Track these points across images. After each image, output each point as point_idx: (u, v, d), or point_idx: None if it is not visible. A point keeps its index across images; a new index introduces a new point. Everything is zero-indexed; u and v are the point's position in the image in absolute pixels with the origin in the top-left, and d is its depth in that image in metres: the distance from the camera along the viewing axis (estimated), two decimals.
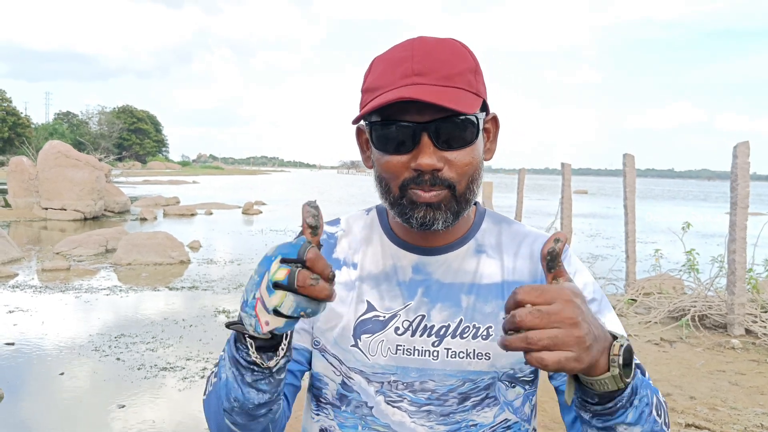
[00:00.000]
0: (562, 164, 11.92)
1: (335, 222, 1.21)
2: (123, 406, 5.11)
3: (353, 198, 38.87)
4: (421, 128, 0.96)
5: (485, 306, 1.07)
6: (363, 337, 1.08)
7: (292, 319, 0.80)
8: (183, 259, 12.32)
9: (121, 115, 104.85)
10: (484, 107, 1.04)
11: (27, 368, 5.99)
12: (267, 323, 0.79)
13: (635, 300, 8.66)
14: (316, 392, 1.14)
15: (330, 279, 0.77)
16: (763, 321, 7.16)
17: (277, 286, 0.77)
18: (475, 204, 1.15)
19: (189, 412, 5.07)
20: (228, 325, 0.90)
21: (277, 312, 0.78)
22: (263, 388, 0.93)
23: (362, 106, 1.02)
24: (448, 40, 1.02)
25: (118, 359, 6.27)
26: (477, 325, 1.06)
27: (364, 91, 1.03)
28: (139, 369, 5.99)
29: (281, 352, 0.89)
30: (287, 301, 0.77)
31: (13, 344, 6.67)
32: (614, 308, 8.47)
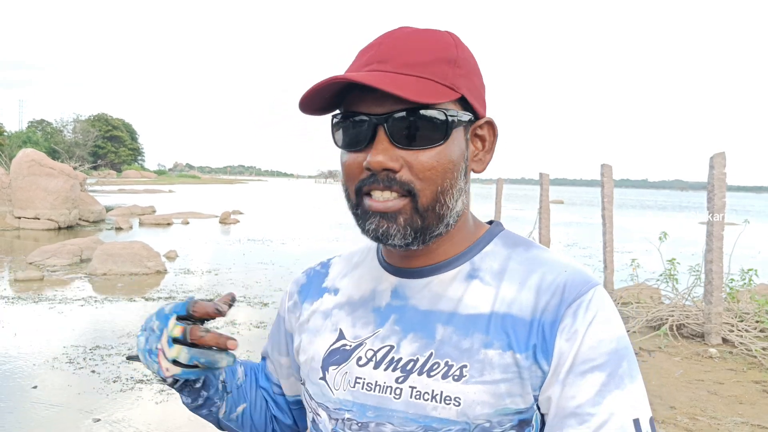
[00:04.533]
0: (541, 174, 12.00)
1: (346, 252, 1.13)
2: (98, 420, 5.00)
3: (331, 207, 38.80)
4: (377, 121, 0.84)
5: (463, 340, 0.87)
6: (330, 369, 0.96)
7: (189, 367, 0.92)
8: (159, 269, 12.17)
9: (96, 123, 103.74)
10: (469, 108, 0.89)
11: None
12: (167, 370, 0.93)
13: None
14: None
15: (219, 313, 0.89)
16: (739, 330, 7.23)
17: (175, 341, 0.90)
18: (491, 222, 1.01)
19: (166, 425, 4.98)
20: (129, 359, 1.06)
21: (175, 362, 0.91)
22: (184, 398, 1.04)
23: None
24: (432, 30, 0.89)
25: (93, 372, 6.16)
26: (450, 363, 0.87)
27: None
28: (114, 381, 5.88)
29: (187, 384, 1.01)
30: (183, 354, 0.90)
31: None
32: None
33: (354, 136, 0.86)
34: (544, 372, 0.84)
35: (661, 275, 8.86)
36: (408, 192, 0.84)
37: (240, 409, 1.12)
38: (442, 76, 0.85)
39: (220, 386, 1.07)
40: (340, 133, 0.89)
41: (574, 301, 0.85)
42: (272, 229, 22.27)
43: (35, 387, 5.71)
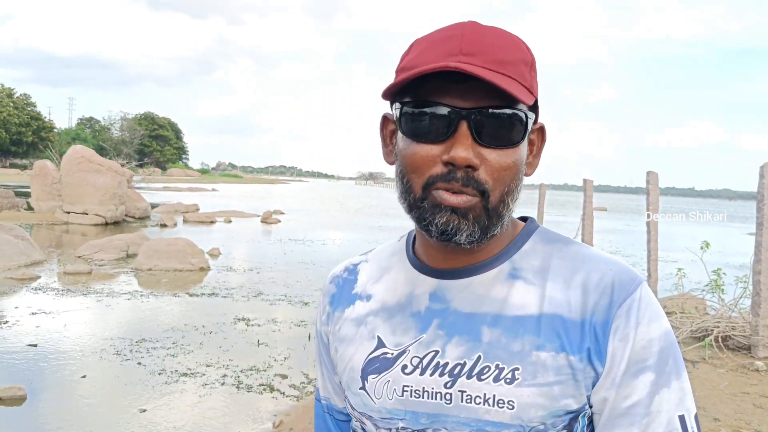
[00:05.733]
0: (584, 180, 11.87)
1: (366, 252, 1.08)
2: (144, 411, 5.13)
3: (371, 209, 38.92)
4: (461, 115, 0.80)
5: (512, 343, 0.86)
6: (370, 378, 0.93)
7: None
8: (203, 266, 12.39)
9: (142, 122, 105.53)
10: (535, 110, 0.88)
11: (49, 370, 6.05)
12: None
13: None
14: None
15: None
16: None
17: None
18: (525, 219, 0.98)
19: (209, 418, 5.09)
20: None
21: None
22: None
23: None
24: (505, 30, 0.87)
25: (139, 363, 6.32)
26: (500, 366, 0.85)
27: (399, 70, 0.87)
28: (159, 374, 6.02)
29: None
30: None
31: (35, 346, 6.74)
32: None
33: (431, 128, 0.82)
34: (598, 373, 0.84)
35: (706, 285, 8.69)
36: (482, 192, 0.82)
37: None
38: (523, 77, 0.84)
39: None
40: (411, 122, 0.84)
41: (624, 301, 0.84)
42: (313, 230, 22.45)
43: (84, 376, 5.89)
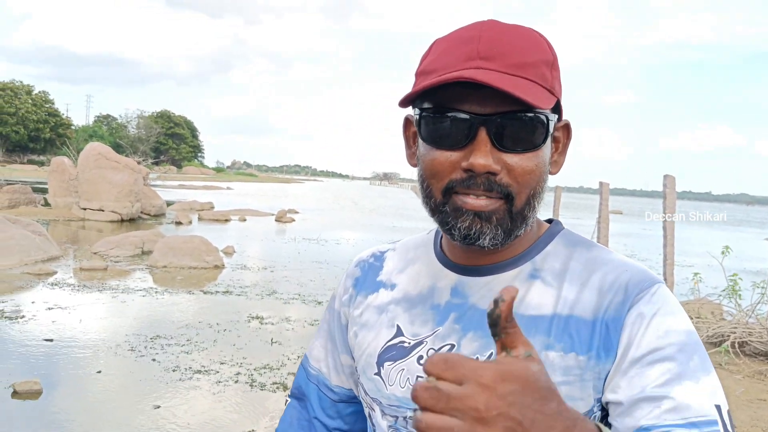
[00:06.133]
0: (600, 183, 11.80)
1: (395, 241, 1.11)
2: (158, 407, 5.16)
3: (386, 209, 38.91)
4: (480, 121, 0.80)
5: None
6: (386, 364, 0.95)
7: None
8: (217, 263, 12.43)
9: (158, 120, 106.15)
10: (557, 109, 0.88)
11: (65, 365, 6.09)
12: None
13: None
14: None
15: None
16: None
17: None
18: (550, 221, 0.98)
19: (223, 416, 5.11)
20: None
21: None
22: None
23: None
24: (524, 27, 0.86)
25: (154, 360, 6.35)
26: None
27: (419, 74, 0.87)
28: (174, 371, 6.05)
29: None
30: None
31: (51, 340, 6.79)
32: None
33: (449, 134, 0.83)
34: (607, 368, 0.82)
35: (723, 291, 8.61)
36: (506, 195, 0.83)
37: None
38: (544, 78, 0.83)
39: None
40: (430, 129, 0.84)
41: (638, 294, 0.83)
42: (327, 229, 22.46)
43: (99, 372, 5.93)
